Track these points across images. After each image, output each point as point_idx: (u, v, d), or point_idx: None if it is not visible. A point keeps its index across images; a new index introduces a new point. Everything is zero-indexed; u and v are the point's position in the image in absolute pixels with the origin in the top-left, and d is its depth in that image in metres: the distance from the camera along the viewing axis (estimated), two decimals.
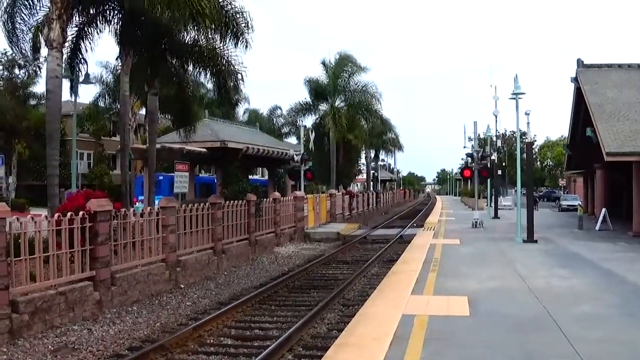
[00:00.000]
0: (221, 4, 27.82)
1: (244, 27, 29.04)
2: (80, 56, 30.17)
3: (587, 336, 11.98)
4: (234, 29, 29.02)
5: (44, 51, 28.63)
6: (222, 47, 30.91)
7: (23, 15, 26.82)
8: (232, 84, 32.43)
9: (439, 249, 28.02)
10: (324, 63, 70.32)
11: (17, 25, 27.03)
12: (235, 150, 48.58)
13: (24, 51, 29.38)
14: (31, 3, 26.56)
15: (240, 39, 29.27)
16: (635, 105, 36.85)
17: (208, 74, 32.30)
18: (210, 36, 29.60)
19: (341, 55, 69.40)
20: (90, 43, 28.83)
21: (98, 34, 28.57)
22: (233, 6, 28.57)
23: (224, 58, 31.36)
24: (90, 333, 15.60)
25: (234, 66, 31.67)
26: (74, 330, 15.67)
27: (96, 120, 68.54)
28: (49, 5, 24.86)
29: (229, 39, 29.47)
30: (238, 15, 28.86)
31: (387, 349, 11.17)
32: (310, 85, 70.49)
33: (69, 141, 53.28)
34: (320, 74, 70.67)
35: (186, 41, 30.95)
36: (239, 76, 32.03)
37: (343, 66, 68.88)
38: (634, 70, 43.25)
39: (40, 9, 26.85)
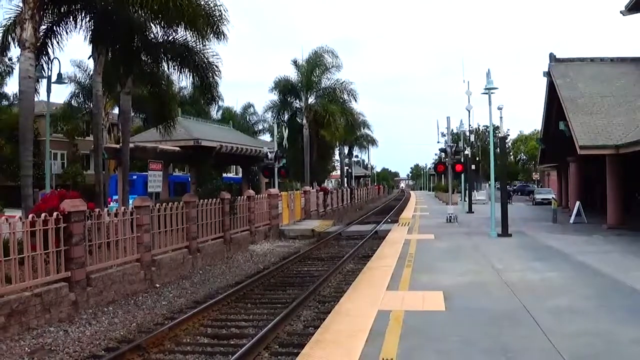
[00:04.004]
0: None
1: (219, 19, 28.79)
2: (53, 55, 30.08)
3: (563, 329, 12.07)
4: (211, 23, 28.74)
5: (14, 52, 28.47)
6: (196, 42, 30.77)
7: None
8: (211, 79, 32.26)
9: (413, 244, 28.12)
10: (295, 62, 70.10)
11: None
12: (209, 148, 48.51)
13: None
14: None
15: (216, 31, 29.01)
16: (608, 99, 37.13)
17: (185, 71, 32.12)
18: (184, 32, 29.56)
19: (314, 53, 69.14)
20: (61, 42, 28.65)
21: (68, 33, 28.39)
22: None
23: (199, 53, 31.26)
24: (66, 334, 15.53)
25: (209, 60, 31.59)
26: (50, 331, 15.59)
27: (70, 120, 68.06)
28: (21, 5, 24.63)
29: (205, 33, 29.20)
30: (213, 9, 28.60)
31: (364, 345, 11.21)
32: (280, 85, 70.12)
33: (42, 141, 52.89)
34: (291, 73, 70.44)
35: (159, 38, 30.82)
36: (214, 68, 31.93)
37: (315, 64, 68.63)
38: (606, 64, 43.60)
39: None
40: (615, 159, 33.92)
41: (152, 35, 30.54)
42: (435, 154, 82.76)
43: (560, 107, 38.43)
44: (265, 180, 59.63)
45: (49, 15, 26.92)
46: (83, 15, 27.81)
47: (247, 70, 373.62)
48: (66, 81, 43.91)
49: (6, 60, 53.47)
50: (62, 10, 27.39)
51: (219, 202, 30.66)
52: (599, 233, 32.15)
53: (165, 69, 33.36)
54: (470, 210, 53.88)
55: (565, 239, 29.75)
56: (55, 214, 17.06)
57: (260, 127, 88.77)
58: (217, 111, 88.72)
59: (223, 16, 28.72)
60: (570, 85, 39.67)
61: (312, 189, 58.98)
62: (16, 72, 39.20)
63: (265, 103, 75.40)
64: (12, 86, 73.70)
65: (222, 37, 29.25)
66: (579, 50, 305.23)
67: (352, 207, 78.78)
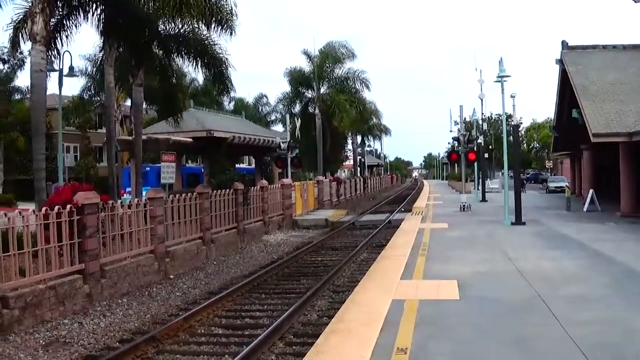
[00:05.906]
0: None
1: (228, 14, 29.04)
2: (64, 49, 30.15)
3: (579, 318, 12.00)
4: (219, 17, 28.98)
5: (24, 45, 28.53)
6: (207, 35, 30.93)
7: None
8: (222, 70, 32.34)
9: (427, 233, 28.05)
10: (306, 53, 70.28)
11: None
12: (222, 139, 48.41)
13: None
14: None
15: (225, 26, 29.27)
16: (621, 86, 36.98)
17: (198, 62, 32.20)
18: (195, 25, 29.72)
19: (327, 44, 69.20)
20: (71, 36, 28.64)
21: (77, 27, 28.38)
22: None
23: (210, 45, 31.39)
24: (81, 326, 15.57)
25: (219, 54, 31.70)
26: (64, 324, 15.63)
27: (82, 113, 68.13)
28: None
29: (214, 27, 29.44)
30: (222, 3, 28.86)
31: (378, 334, 11.17)
32: (292, 75, 70.37)
33: (54, 135, 52.97)
34: (304, 64, 70.75)
35: (168, 30, 30.89)
36: (225, 59, 32.14)
37: (327, 55, 68.67)
38: (618, 51, 43.40)
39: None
40: (629, 147, 33.75)
41: (164, 27, 30.64)
42: (449, 143, 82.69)
43: (573, 94, 38.30)
44: (278, 170, 59.64)
45: (59, 9, 26.91)
46: (93, 8, 27.79)
47: (260, 63, 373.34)
48: (77, 74, 43.96)
49: (17, 54, 53.57)
50: (73, 2, 27.37)
51: (232, 193, 30.69)
52: (613, 221, 32.02)
53: (177, 61, 33.48)
54: (483, 199, 53.80)
55: (579, 227, 29.63)
56: (68, 206, 17.09)
57: (273, 117, 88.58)
58: (230, 102, 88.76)
59: (233, 11, 29.03)
60: (583, 72, 39.52)
61: (325, 178, 59.02)
62: (28, 65, 39.25)
63: (277, 94, 75.45)
64: (25, 79, 73.53)
65: (232, 31, 29.51)
66: (591, 38, 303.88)
67: (365, 196, 78.77)
